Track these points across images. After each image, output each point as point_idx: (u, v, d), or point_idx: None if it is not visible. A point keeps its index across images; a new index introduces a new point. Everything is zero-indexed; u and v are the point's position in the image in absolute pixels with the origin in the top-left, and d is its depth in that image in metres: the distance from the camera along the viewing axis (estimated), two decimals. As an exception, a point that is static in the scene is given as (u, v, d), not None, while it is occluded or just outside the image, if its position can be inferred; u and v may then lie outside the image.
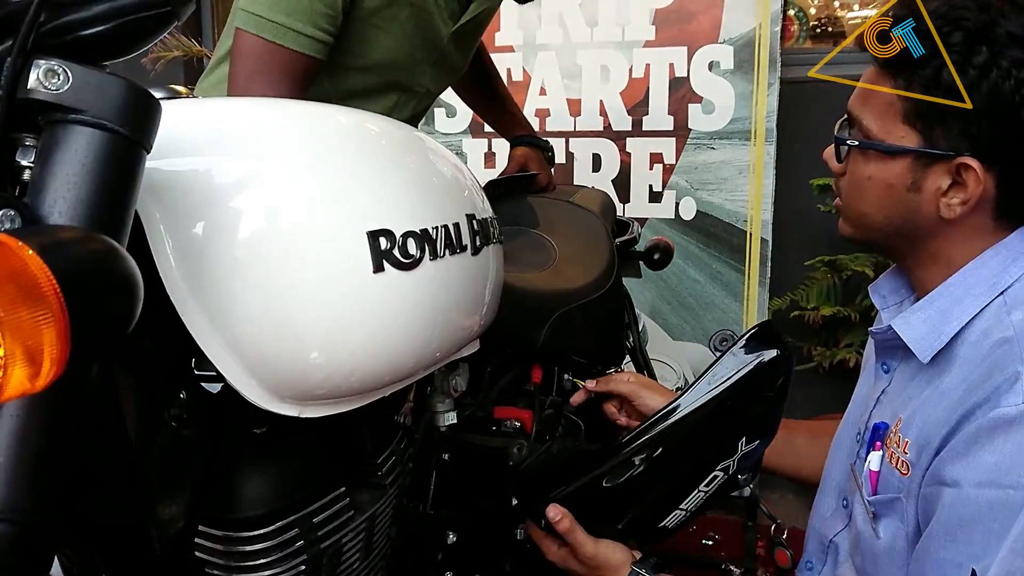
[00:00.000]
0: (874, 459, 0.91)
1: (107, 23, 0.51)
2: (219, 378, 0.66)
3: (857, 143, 0.88)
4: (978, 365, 0.81)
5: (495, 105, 1.82)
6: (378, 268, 0.67)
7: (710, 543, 2.14)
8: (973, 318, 0.84)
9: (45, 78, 0.47)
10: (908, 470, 0.85)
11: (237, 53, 1.14)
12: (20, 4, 0.49)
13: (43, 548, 0.46)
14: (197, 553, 0.73)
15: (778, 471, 1.17)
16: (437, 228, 0.73)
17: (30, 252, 0.36)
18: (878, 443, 0.91)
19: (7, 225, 0.44)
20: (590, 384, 1.18)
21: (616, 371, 1.27)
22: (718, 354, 0.97)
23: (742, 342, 0.96)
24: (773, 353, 0.94)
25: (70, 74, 0.48)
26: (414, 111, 1.43)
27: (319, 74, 1.20)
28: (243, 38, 1.13)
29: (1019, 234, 0.85)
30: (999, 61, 0.78)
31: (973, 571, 0.75)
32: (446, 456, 1.08)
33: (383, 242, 0.67)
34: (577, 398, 1.20)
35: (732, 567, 1.64)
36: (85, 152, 0.48)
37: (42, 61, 0.47)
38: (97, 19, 0.51)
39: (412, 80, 1.36)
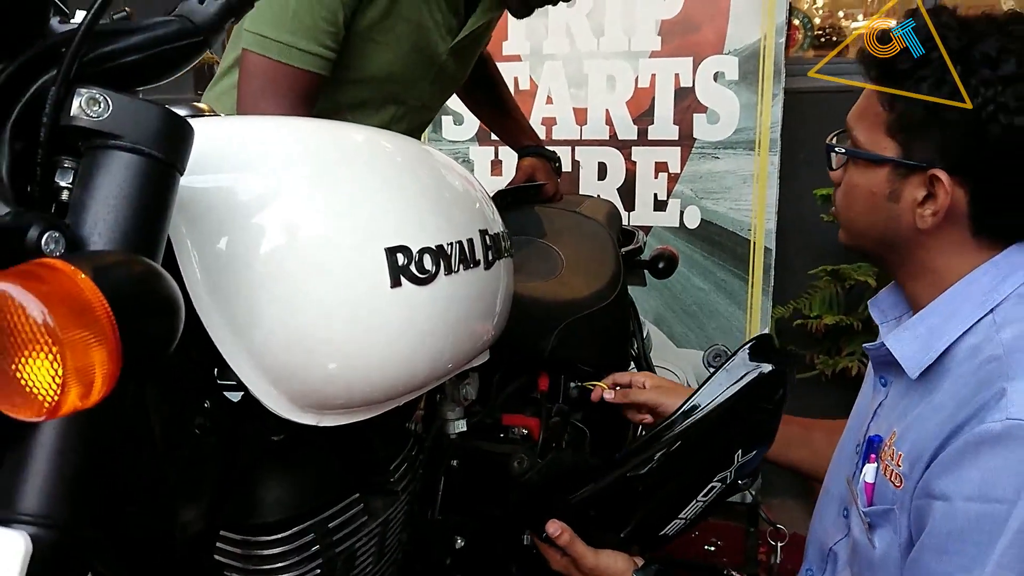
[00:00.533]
0: (869, 471, 0.93)
1: (143, 52, 0.54)
2: (240, 387, 0.68)
3: (843, 151, 0.93)
4: (967, 382, 0.83)
5: (502, 116, 1.84)
6: (395, 283, 0.69)
7: (712, 549, 2.16)
8: (964, 335, 0.86)
9: (87, 106, 0.50)
10: (901, 482, 0.87)
11: (245, 73, 1.17)
12: (63, 36, 0.52)
13: (80, 559, 0.48)
14: (217, 557, 0.75)
15: (791, 464, 1.20)
16: (452, 244, 0.75)
17: (82, 276, 0.39)
18: (872, 455, 0.94)
19: (52, 246, 0.47)
20: (608, 395, 1.21)
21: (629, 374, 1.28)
22: (711, 370, 0.99)
23: (740, 354, 0.98)
24: (770, 367, 0.96)
25: (110, 102, 0.50)
26: (412, 124, 1.45)
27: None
28: (250, 59, 1.16)
29: (1009, 253, 0.87)
30: (969, 80, 0.82)
31: None
32: (455, 463, 1.10)
33: (400, 258, 0.70)
34: (596, 395, 1.23)
35: (734, 573, 1.66)
36: (124, 176, 0.50)
37: (84, 90, 0.50)
38: (134, 48, 0.54)
39: (409, 94, 1.38)
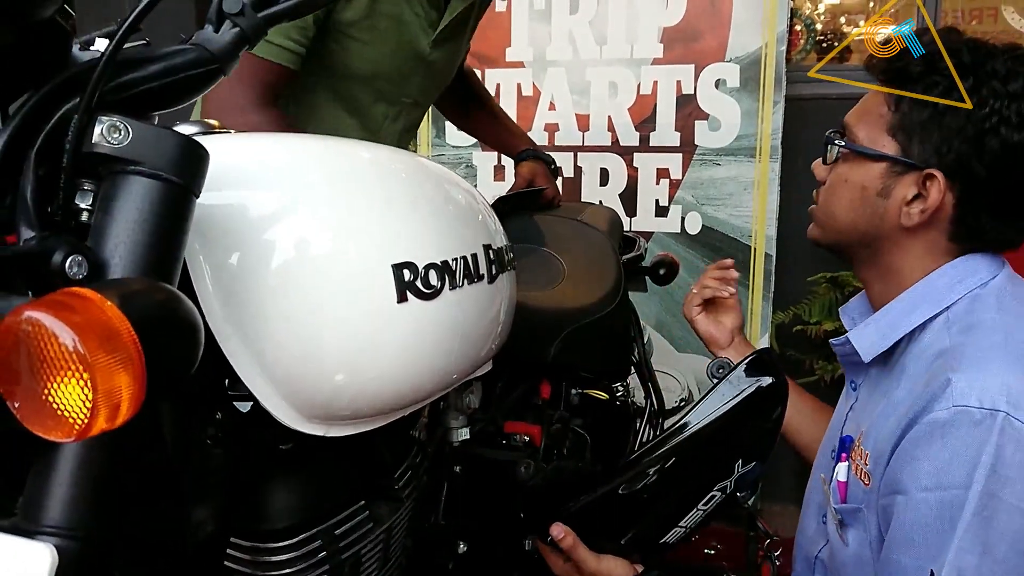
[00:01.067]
0: (841, 470, 0.97)
1: (161, 80, 0.56)
2: (250, 398, 0.70)
3: (844, 143, 0.98)
4: (920, 377, 0.88)
5: (493, 125, 1.86)
6: (401, 298, 0.71)
7: (712, 552, 2.17)
8: (920, 332, 0.92)
9: (108, 133, 0.52)
10: (869, 480, 0.91)
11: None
12: (85, 65, 0.54)
13: (103, 568, 0.51)
14: (227, 563, 0.77)
15: (789, 430, 1.23)
16: (456, 260, 0.77)
17: (109, 304, 0.41)
18: (844, 455, 0.98)
19: (75, 269, 0.49)
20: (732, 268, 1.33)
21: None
22: (714, 381, 1.02)
23: (742, 367, 1.00)
24: (769, 380, 0.98)
25: (130, 130, 0.52)
26: (407, 122, 1.48)
27: (293, 81, 1.26)
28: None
29: (965, 259, 0.93)
30: (980, 89, 0.87)
31: (931, 572, 0.80)
32: (458, 469, 1.12)
33: (407, 274, 0.71)
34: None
35: (734, 576, 1.67)
36: (143, 200, 0.52)
37: (105, 118, 0.52)
38: (153, 77, 0.56)
39: (400, 91, 1.41)
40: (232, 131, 0.83)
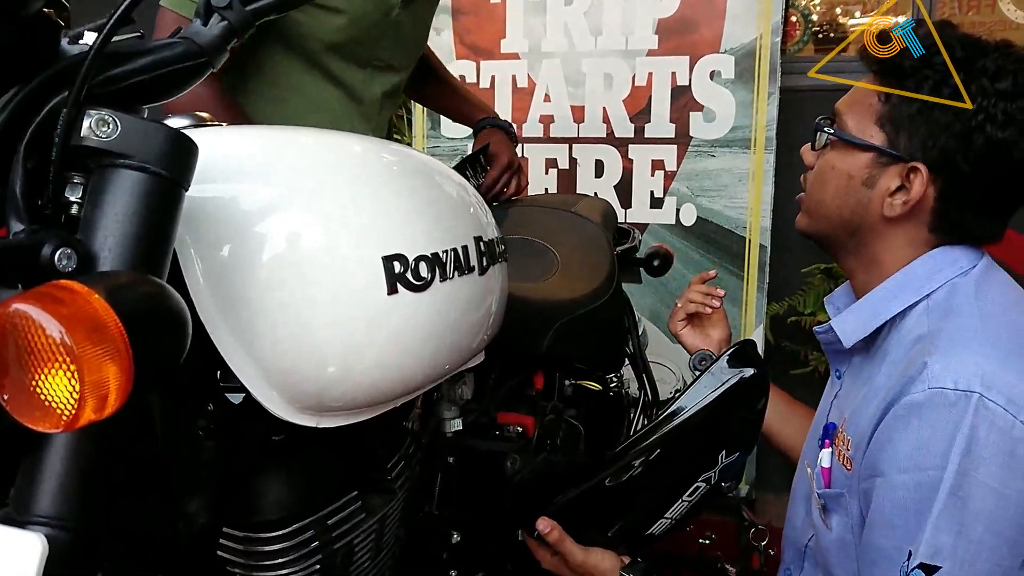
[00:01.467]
0: (825, 456, 0.98)
1: (150, 73, 0.56)
2: (242, 389, 0.71)
3: (833, 132, 0.98)
4: (900, 363, 0.90)
5: (454, 99, 1.85)
6: (392, 290, 0.72)
7: (706, 543, 2.18)
8: (901, 320, 0.94)
9: (96, 127, 0.52)
10: (851, 466, 0.92)
11: (156, 29, 1.20)
12: (74, 59, 0.54)
13: (92, 558, 0.51)
14: (220, 553, 0.78)
15: (769, 433, 1.26)
16: (447, 252, 0.77)
17: (96, 297, 0.42)
18: (827, 441, 0.99)
19: (64, 262, 0.49)
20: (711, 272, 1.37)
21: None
22: (697, 373, 1.02)
23: (724, 358, 1.00)
24: (752, 371, 0.99)
25: (119, 123, 0.53)
26: (384, 87, 1.48)
27: (276, 64, 1.27)
28: (163, 14, 1.20)
29: (945, 250, 0.94)
30: (969, 87, 0.88)
31: (910, 552, 0.81)
32: (451, 459, 1.13)
33: (397, 266, 0.72)
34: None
35: (728, 566, 1.68)
36: (132, 194, 0.53)
37: (93, 111, 0.52)
38: (141, 70, 0.56)
39: (372, 55, 1.41)
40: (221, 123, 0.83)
